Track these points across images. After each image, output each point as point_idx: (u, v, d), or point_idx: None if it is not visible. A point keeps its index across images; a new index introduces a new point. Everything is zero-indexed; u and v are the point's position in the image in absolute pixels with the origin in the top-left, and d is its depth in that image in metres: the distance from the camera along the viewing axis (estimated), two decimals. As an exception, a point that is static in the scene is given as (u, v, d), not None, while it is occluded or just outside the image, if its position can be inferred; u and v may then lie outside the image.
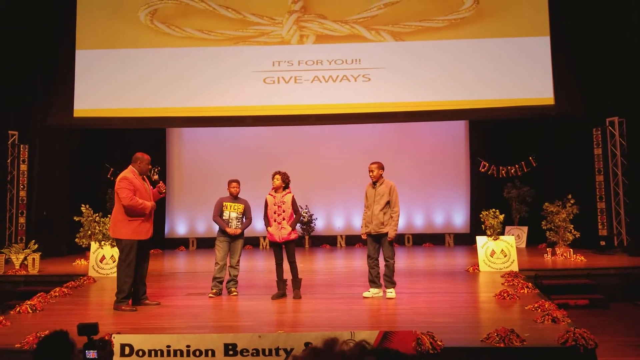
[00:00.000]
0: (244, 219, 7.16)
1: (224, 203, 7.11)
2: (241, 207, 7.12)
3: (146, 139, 12.83)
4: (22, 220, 10.76)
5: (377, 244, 6.67)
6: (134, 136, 12.64)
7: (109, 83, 10.93)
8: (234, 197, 7.14)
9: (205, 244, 12.58)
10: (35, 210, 11.10)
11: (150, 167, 6.50)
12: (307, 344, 4.42)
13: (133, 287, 6.33)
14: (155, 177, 6.57)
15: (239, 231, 7.04)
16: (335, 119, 11.21)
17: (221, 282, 7.04)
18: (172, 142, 13.66)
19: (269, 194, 6.86)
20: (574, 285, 8.01)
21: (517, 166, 12.26)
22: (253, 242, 12.62)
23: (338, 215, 13.33)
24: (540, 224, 9.97)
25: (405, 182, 11.42)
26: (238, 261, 7.12)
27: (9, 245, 9.66)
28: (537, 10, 10.59)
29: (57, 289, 7.32)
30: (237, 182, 7.19)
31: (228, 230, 6.98)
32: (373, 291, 6.67)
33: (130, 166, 6.37)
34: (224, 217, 7.06)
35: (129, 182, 6.19)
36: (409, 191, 12.02)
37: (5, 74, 10.74)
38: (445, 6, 10.78)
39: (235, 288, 7.06)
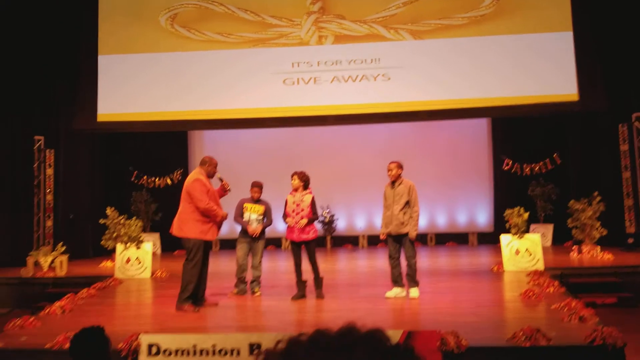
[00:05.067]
0: (264, 221, 7.18)
1: (245, 204, 7.15)
2: (261, 208, 7.14)
3: (169, 142, 13.02)
4: (49, 223, 10.96)
5: (398, 244, 6.64)
6: (157, 139, 12.81)
7: (130, 87, 11.07)
8: (255, 200, 7.18)
9: (227, 245, 12.65)
10: (61, 214, 11.30)
11: (216, 170, 6.52)
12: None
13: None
14: (219, 175, 6.61)
15: (259, 229, 7.05)
16: (355, 119, 11.19)
17: (243, 282, 7.08)
18: (194, 145, 13.78)
19: (290, 194, 6.87)
20: (601, 284, 7.87)
21: (541, 163, 12.11)
22: (275, 243, 12.67)
23: (359, 215, 13.31)
24: (565, 221, 9.83)
25: (427, 181, 11.37)
26: (260, 262, 7.14)
27: (37, 248, 9.85)
28: (559, 5, 10.44)
29: (85, 290, 7.44)
30: (260, 187, 7.20)
31: (249, 229, 7.01)
32: (396, 291, 6.65)
33: (199, 168, 6.43)
34: (244, 219, 7.11)
35: (203, 185, 6.24)
36: (431, 190, 11.95)
37: (31, 80, 10.96)
38: (464, 3, 10.69)
39: (259, 288, 7.10)
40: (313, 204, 6.75)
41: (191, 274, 6.20)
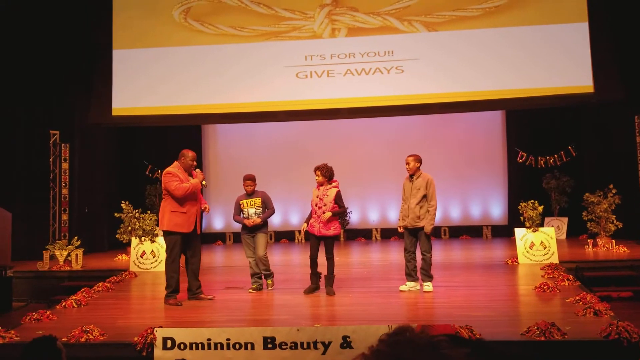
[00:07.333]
0: (265, 212, 7.07)
1: (241, 202, 7.08)
2: (258, 200, 7.05)
3: (183, 136, 13.07)
4: (64, 217, 11.08)
5: (414, 237, 6.62)
6: (172, 133, 12.88)
7: (145, 81, 11.13)
8: (249, 194, 7.10)
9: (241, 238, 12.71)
10: (77, 208, 11.41)
11: (194, 163, 6.53)
12: (345, 338, 4.44)
13: (188, 282, 6.46)
14: (197, 169, 6.61)
15: (258, 220, 6.93)
16: (368, 112, 11.14)
17: (260, 277, 7.04)
18: (208, 138, 13.83)
19: (315, 187, 6.80)
20: (617, 277, 7.82)
21: (556, 156, 11.98)
22: (289, 236, 12.68)
23: (373, 209, 13.29)
24: (580, 214, 9.74)
25: (441, 174, 11.28)
26: (265, 254, 7.01)
27: (53, 242, 9.97)
28: (575, -4, 10.30)
29: (100, 284, 7.52)
30: (252, 179, 7.11)
31: (246, 222, 6.95)
32: (410, 285, 6.64)
33: (176, 162, 6.50)
34: (243, 215, 7.04)
35: (173, 175, 6.31)
36: (445, 183, 11.88)
37: (46, 75, 11.05)
38: (479, -5, 10.58)
39: (272, 281, 7.09)
40: (338, 197, 6.64)
41: (170, 269, 6.29)
